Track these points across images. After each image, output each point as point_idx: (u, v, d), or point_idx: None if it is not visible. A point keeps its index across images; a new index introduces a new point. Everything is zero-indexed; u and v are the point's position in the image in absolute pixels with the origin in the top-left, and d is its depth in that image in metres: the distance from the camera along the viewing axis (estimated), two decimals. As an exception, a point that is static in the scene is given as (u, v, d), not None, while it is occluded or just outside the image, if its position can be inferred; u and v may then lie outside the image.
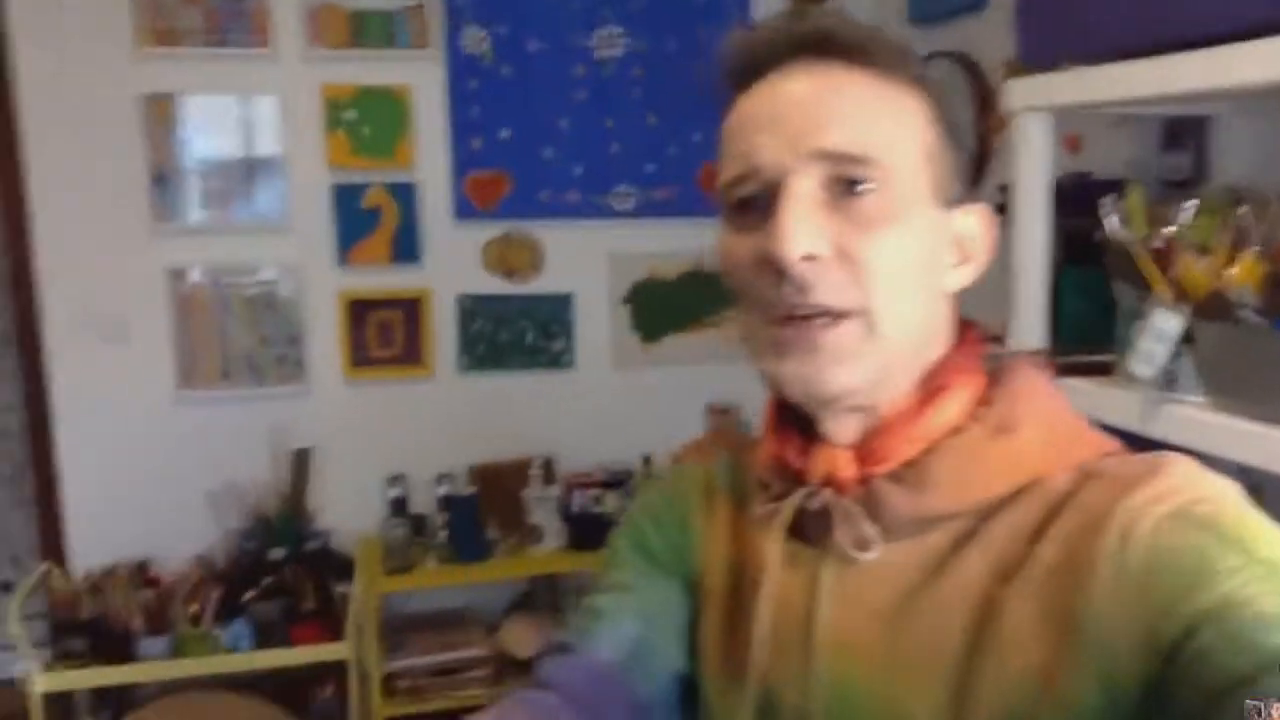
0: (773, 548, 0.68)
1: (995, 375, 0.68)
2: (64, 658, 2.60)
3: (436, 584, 2.93)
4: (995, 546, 0.63)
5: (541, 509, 2.88)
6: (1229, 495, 0.61)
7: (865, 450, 0.66)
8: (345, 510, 2.99)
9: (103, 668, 2.60)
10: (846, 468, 0.66)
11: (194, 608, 2.64)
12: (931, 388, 0.66)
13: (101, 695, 2.83)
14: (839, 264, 0.62)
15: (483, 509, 2.87)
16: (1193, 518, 0.58)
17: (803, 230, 0.61)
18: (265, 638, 2.69)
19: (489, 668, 2.82)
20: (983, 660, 0.61)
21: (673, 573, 0.77)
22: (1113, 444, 0.67)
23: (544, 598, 3.08)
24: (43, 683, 2.55)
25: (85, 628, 2.60)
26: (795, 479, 0.69)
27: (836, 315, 0.63)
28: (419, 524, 2.89)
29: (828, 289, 0.62)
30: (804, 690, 0.67)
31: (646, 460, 3.03)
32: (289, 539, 2.85)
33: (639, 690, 0.73)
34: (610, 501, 2.89)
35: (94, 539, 2.84)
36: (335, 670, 2.85)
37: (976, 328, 0.71)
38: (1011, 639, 0.61)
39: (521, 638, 2.87)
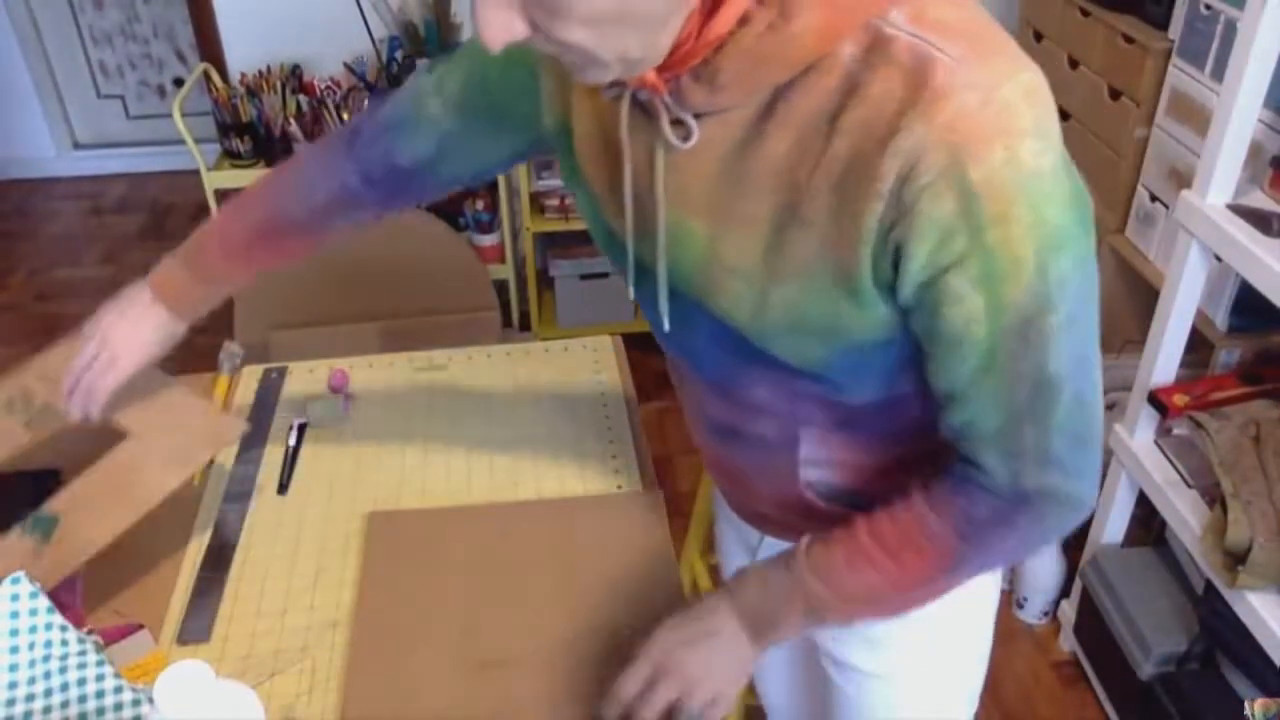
0: (622, 126, 0.76)
1: None
2: (230, 157, 2.72)
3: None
4: (793, 126, 0.69)
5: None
6: (1014, 143, 0.63)
7: (665, 62, 0.69)
8: (491, 23, 2.87)
9: (265, 170, 2.71)
10: (652, 76, 0.70)
11: (346, 115, 2.65)
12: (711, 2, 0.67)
13: (271, 194, 2.99)
14: (545, 38, 0.64)
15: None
16: (957, 184, 0.63)
17: (494, 21, 0.63)
18: (417, 149, 2.72)
19: (635, 193, 2.82)
20: (791, 232, 0.71)
21: (511, 110, 0.93)
22: None
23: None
24: (213, 179, 2.69)
25: (247, 129, 2.67)
26: None
27: (584, 67, 0.67)
28: (567, 41, 2.76)
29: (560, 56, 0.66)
30: (652, 236, 0.78)
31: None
32: (437, 49, 2.79)
33: (424, 183, 1.04)
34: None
35: (248, 41, 2.84)
36: (485, 184, 2.92)
37: None
38: (814, 218, 0.69)
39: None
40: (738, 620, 0.87)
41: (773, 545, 1.04)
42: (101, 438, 1.12)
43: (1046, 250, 0.66)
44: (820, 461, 0.89)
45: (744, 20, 0.66)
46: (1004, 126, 0.63)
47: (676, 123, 0.72)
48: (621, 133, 0.76)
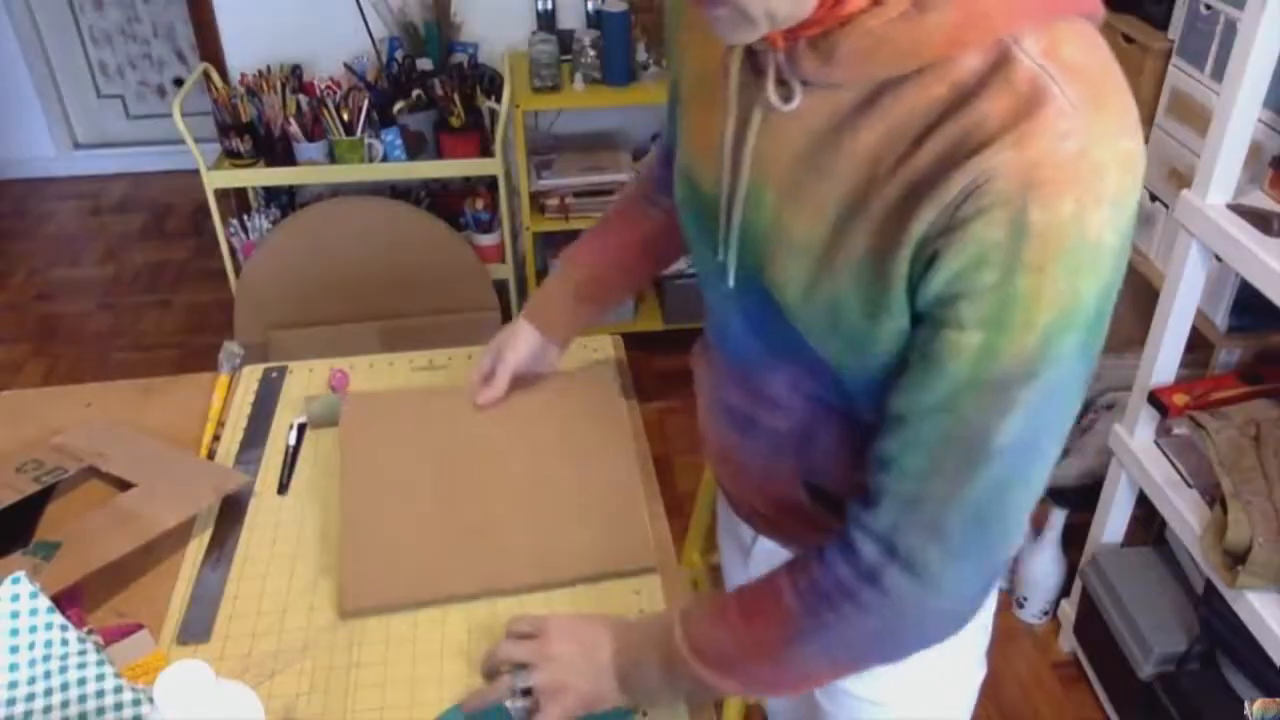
0: (731, 80, 0.77)
1: None
2: (230, 156, 2.72)
3: (583, 105, 2.86)
4: (889, 121, 0.68)
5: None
6: (1086, 204, 0.62)
7: (796, 26, 0.68)
8: (492, 20, 2.87)
9: (265, 169, 2.72)
10: (777, 35, 0.69)
11: (346, 115, 2.66)
12: None
13: (272, 194, 2.99)
14: None
15: (634, 29, 2.70)
16: (1016, 217, 0.62)
17: None
18: (415, 150, 2.72)
19: (635, 192, 2.82)
20: (853, 223, 0.70)
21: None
22: (1057, 5, 0.65)
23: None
24: (213, 179, 2.69)
25: (246, 129, 2.67)
26: None
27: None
28: (567, 41, 2.76)
29: None
30: (731, 193, 0.79)
31: None
32: (436, 49, 2.79)
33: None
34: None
35: (248, 41, 2.84)
36: (485, 184, 2.93)
37: None
38: (875, 214, 0.69)
39: (669, 165, 2.84)
40: (612, 647, 0.89)
41: (766, 547, 1.04)
42: (107, 486, 1.19)
43: (1060, 322, 0.64)
44: (825, 469, 0.88)
45: (879, 0, 0.65)
46: (1085, 184, 0.61)
47: (781, 84, 0.72)
48: (731, 80, 0.77)
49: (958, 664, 1.02)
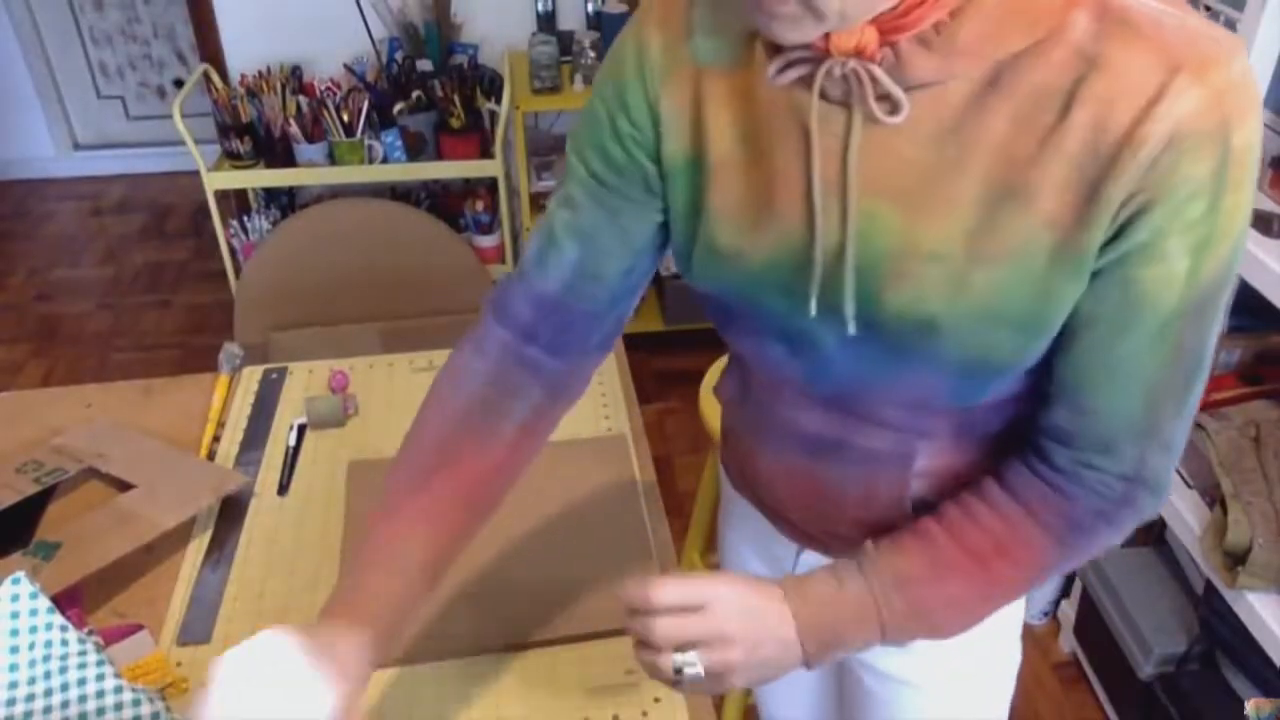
0: (812, 107, 0.70)
1: None
2: (230, 157, 2.72)
3: (583, 106, 2.86)
4: (1016, 101, 0.65)
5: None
6: (1256, 116, 0.64)
7: (890, 23, 0.65)
8: (492, 21, 2.87)
9: (265, 170, 2.72)
10: (872, 40, 0.65)
11: (346, 116, 2.66)
12: None
13: (272, 195, 2.99)
14: None
15: (633, 29, 2.71)
16: (1222, 145, 0.62)
17: None
18: (415, 151, 2.73)
19: (635, 193, 2.82)
20: (1005, 210, 0.67)
21: (641, 163, 0.82)
22: None
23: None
24: (213, 180, 2.69)
25: (247, 130, 2.67)
26: (813, 48, 0.68)
27: None
28: (566, 41, 2.76)
29: None
30: (841, 224, 0.72)
31: None
32: (436, 50, 2.79)
33: (582, 306, 0.87)
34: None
35: (248, 42, 2.84)
36: (485, 186, 2.93)
37: None
38: (1037, 193, 0.66)
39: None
40: (795, 624, 0.77)
41: (808, 562, 0.99)
42: (107, 487, 1.19)
43: (1244, 226, 0.67)
44: (931, 473, 0.84)
45: None
46: (1254, 99, 0.64)
47: (880, 98, 0.67)
48: (812, 116, 0.70)
49: (995, 653, 1.00)
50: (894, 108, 0.67)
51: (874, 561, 0.78)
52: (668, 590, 0.74)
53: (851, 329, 0.74)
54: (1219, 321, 0.71)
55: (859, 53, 0.66)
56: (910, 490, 0.85)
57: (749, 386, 0.92)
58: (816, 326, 0.77)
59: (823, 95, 0.70)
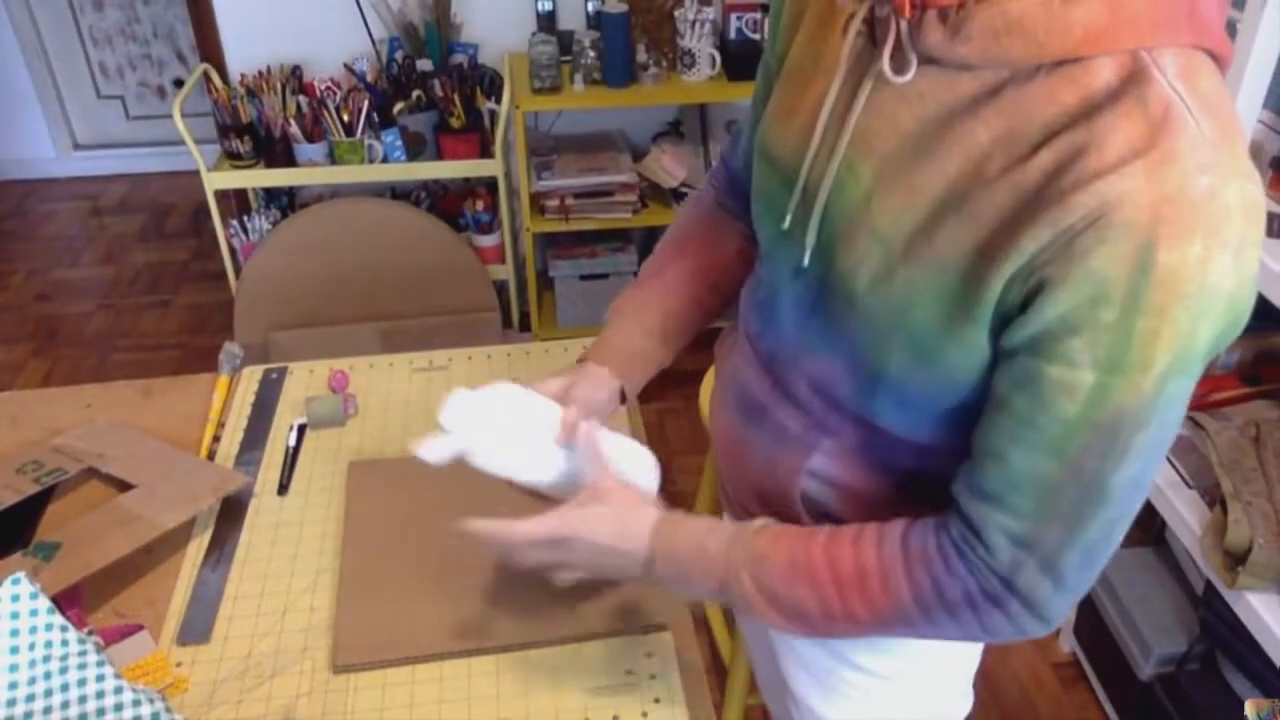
0: (846, 45, 0.74)
1: None
2: (230, 157, 2.72)
3: (583, 106, 2.86)
4: (1008, 119, 0.65)
5: (695, 33, 2.70)
6: (1213, 248, 0.59)
7: None
8: (492, 21, 2.87)
9: (265, 170, 2.72)
10: (905, 2, 0.66)
11: (346, 116, 2.66)
12: None
13: (272, 195, 2.99)
14: None
15: (634, 30, 2.71)
16: (1142, 255, 0.59)
17: None
18: (415, 151, 2.72)
19: (634, 193, 2.83)
20: (949, 218, 0.68)
21: (782, 56, 0.88)
22: (1199, 31, 0.63)
23: (692, 127, 3.00)
24: (213, 180, 2.69)
25: (247, 130, 2.67)
26: None
27: None
28: (567, 41, 2.76)
29: None
30: (827, 158, 0.75)
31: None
32: (436, 50, 2.79)
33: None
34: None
35: (248, 41, 2.84)
36: (485, 185, 2.93)
37: None
38: (979, 216, 0.66)
39: (667, 166, 2.84)
40: (648, 558, 0.85)
41: None
42: (107, 487, 1.19)
43: (1176, 367, 0.63)
44: (828, 478, 0.86)
45: None
46: (1213, 227, 0.59)
47: (896, 57, 0.69)
48: (847, 43, 0.73)
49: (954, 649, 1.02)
50: (900, 69, 0.68)
51: (747, 534, 0.83)
52: (535, 531, 0.86)
53: (807, 260, 0.79)
54: (1140, 468, 0.67)
55: (896, 5, 0.66)
56: (801, 483, 0.87)
57: (735, 336, 0.99)
58: (784, 247, 0.83)
59: (869, 38, 0.73)
